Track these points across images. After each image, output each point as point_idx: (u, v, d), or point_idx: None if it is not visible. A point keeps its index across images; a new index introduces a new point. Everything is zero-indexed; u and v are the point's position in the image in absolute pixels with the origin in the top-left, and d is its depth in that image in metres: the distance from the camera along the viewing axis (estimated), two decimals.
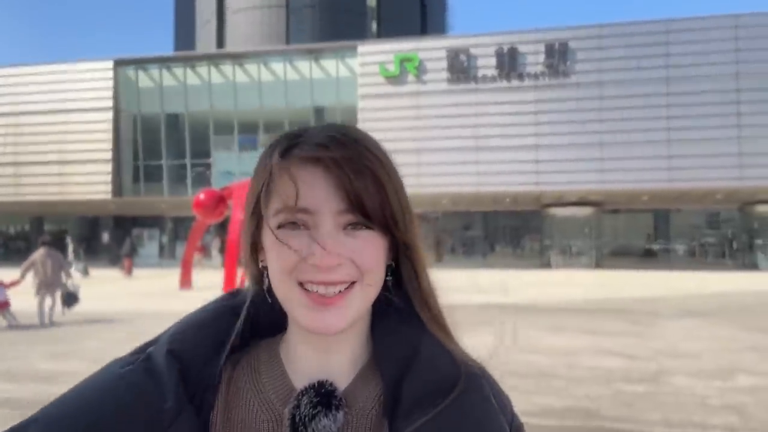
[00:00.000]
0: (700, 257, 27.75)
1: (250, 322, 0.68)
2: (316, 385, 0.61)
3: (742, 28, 23.83)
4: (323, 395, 0.60)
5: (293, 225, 0.59)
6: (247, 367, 0.66)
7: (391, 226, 0.61)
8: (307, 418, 0.59)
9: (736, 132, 23.58)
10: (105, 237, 33.78)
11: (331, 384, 0.61)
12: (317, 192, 0.58)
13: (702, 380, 5.84)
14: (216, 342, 0.65)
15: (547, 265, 27.14)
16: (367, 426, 0.61)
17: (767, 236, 24.29)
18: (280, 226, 0.60)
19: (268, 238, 0.61)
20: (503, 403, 0.65)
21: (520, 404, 0.71)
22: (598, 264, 26.94)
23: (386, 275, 0.64)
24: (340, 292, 0.59)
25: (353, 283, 0.59)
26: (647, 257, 28.60)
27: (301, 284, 0.59)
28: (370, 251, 0.60)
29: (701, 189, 24.14)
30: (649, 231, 29.96)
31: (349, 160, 0.58)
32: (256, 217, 0.63)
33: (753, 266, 25.42)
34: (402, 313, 0.65)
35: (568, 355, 7.10)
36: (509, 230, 30.72)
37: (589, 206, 27.15)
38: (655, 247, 29.40)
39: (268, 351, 0.67)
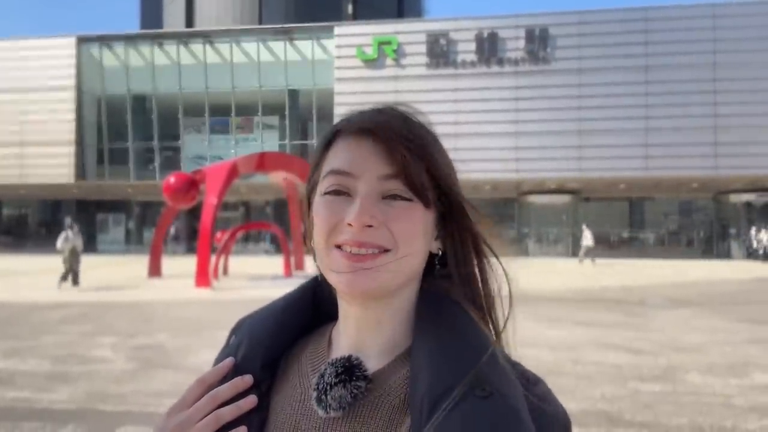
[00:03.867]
0: (674, 245, 28.00)
1: (326, 304, 0.72)
2: (343, 358, 0.63)
3: (720, 18, 23.86)
4: (347, 368, 0.62)
5: (337, 192, 0.62)
6: (300, 346, 0.71)
7: (433, 200, 0.62)
8: (328, 386, 0.61)
9: (713, 122, 23.69)
10: (67, 222, 32.40)
11: (357, 359, 0.63)
12: (363, 157, 0.61)
13: (718, 377, 5.52)
14: (288, 324, 0.71)
15: (524, 252, 27.03)
16: (389, 409, 0.60)
17: (740, 225, 24.59)
18: (326, 193, 0.63)
19: (314, 207, 0.64)
20: (546, 420, 0.57)
21: None
22: (575, 252, 26.95)
23: (435, 263, 0.66)
24: (372, 253, 0.60)
25: (387, 250, 0.60)
26: (623, 245, 28.75)
27: (338, 247, 0.61)
28: (406, 221, 0.61)
29: (677, 178, 24.24)
30: (626, 219, 30.11)
31: (401, 133, 0.61)
32: (310, 197, 0.67)
33: (726, 255, 25.76)
34: (449, 306, 0.62)
35: (571, 350, 6.73)
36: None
37: (567, 194, 27.07)
38: (631, 235, 29.57)
39: (324, 330, 0.72)
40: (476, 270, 0.66)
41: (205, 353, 6.59)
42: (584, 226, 23.21)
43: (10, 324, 8.62)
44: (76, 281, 13.62)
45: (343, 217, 0.60)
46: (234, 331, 0.75)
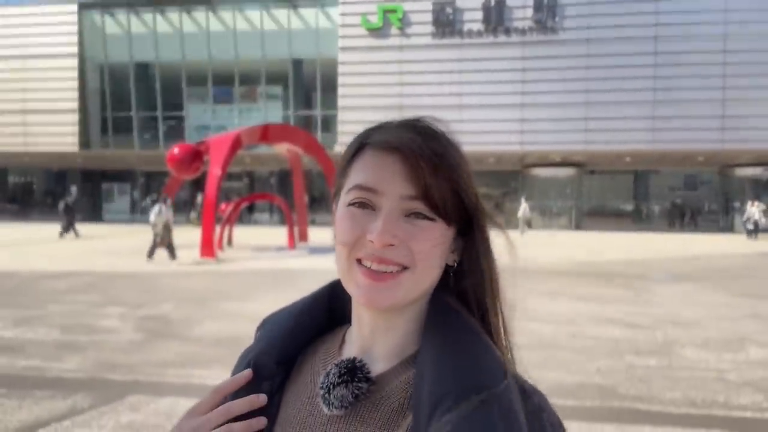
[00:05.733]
0: (678, 219, 27.94)
1: (340, 308, 0.76)
2: (348, 359, 0.66)
3: None
4: (350, 369, 0.65)
5: (362, 205, 0.64)
6: (316, 346, 0.75)
7: (454, 222, 0.65)
8: (332, 386, 0.64)
9: (721, 94, 23.39)
10: (73, 191, 32.54)
11: (360, 361, 0.66)
12: (388, 175, 0.63)
13: (713, 352, 5.61)
14: (308, 323, 0.76)
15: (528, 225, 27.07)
16: (387, 411, 0.63)
17: (745, 199, 24.49)
18: (350, 204, 0.65)
19: (337, 215, 0.67)
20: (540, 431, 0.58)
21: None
22: (578, 225, 26.99)
23: (449, 275, 0.68)
24: (391, 272, 0.62)
25: (406, 268, 0.63)
26: (626, 218, 28.74)
27: (358, 261, 0.63)
28: (426, 241, 0.63)
29: (683, 151, 24.07)
30: (630, 192, 29.99)
31: (426, 153, 0.62)
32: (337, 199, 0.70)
33: (730, 229, 25.73)
34: (456, 316, 0.64)
35: (569, 324, 6.83)
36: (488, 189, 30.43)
37: (571, 167, 26.95)
38: (635, 208, 29.53)
39: (338, 332, 0.75)
40: (488, 285, 0.67)
41: (209, 324, 6.72)
42: (522, 199, 23.67)
43: (19, 293, 8.78)
44: (173, 255, 12.92)
45: (366, 232, 0.62)
46: (259, 328, 0.80)
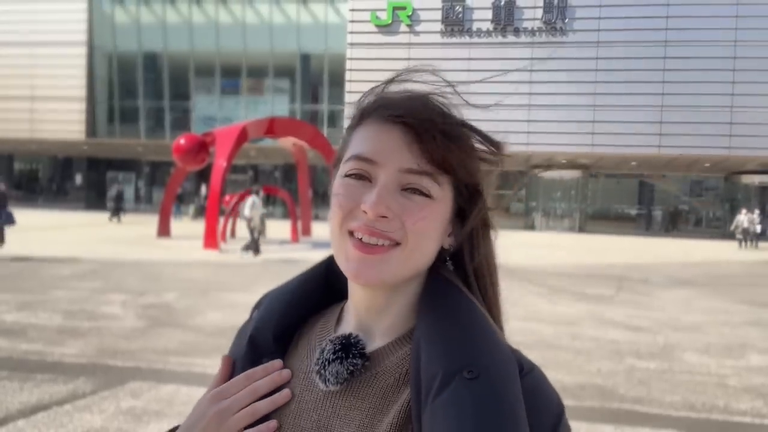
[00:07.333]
0: (682, 224, 27.86)
1: (339, 282, 0.72)
2: (343, 335, 0.66)
3: None
4: (344, 345, 0.64)
5: (359, 176, 0.62)
6: (313, 322, 0.74)
7: (454, 197, 0.64)
8: (327, 362, 0.64)
9: (729, 101, 23.27)
10: (78, 179, 32.63)
11: (356, 337, 0.65)
12: (389, 147, 0.61)
13: (714, 358, 5.60)
14: (307, 298, 0.75)
15: (531, 227, 27.04)
16: (383, 387, 0.62)
17: (751, 206, 24.38)
18: (347, 175, 0.63)
19: (334, 185, 0.65)
20: (537, 408, 0.56)
21: None
22: (582, 227, 26.94)
23: (446, 258, 0.67)
24: (382, 246, 0.61)
25: (397, 244, 0.61)
26: (630, 222, 28.66)
27: (350, 233, 0.62)
28: (421, 217, 0.61)
29: (690, 156, 23.98)
30: (635, 197, 29.89)
31: (431, 127, 0.60)
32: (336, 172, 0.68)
33: (734, 236, 25.65)
34: (453, 292, 0.63)
35: (570, 325, 6.82)
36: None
37: (576, 169, 26.90)
38: (638, 212, 29.44)
39: (335, 308, 0.74)
40: (485, 264, 0.67)
41: (211, 314, 6.74)
42: None
43: (22, 278, 8.82)
44: (257, 250, 12.38)
45: (360, 203, 0.61)
46: (256, 306, 0.79)
